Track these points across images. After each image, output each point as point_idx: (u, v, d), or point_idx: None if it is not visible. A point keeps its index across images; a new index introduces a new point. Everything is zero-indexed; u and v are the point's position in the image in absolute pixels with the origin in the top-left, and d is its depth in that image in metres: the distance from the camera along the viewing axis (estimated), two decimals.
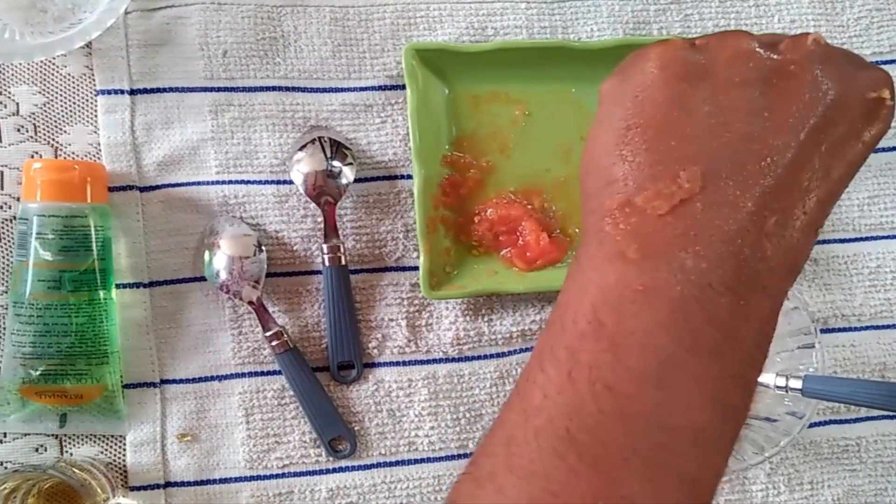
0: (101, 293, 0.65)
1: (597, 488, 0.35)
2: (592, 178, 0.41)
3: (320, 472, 0.68)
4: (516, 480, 0.36)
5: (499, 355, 0.70)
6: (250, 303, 0.67)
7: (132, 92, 0.69)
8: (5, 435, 0.66)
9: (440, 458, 0.69)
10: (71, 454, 0.67)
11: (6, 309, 0.65)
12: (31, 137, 0.68)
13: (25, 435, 0.66)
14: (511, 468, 0.37)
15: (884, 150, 0.74)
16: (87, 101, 0.69)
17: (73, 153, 0.69)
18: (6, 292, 0.66)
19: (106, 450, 0.67)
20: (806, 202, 0.39)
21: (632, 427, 0.36)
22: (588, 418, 0.36)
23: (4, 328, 0.65)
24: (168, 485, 0.67)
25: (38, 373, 0.63)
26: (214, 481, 0.68)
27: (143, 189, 0.69)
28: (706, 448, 0.37)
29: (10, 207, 0.67)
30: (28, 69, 0.69)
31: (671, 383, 0.36)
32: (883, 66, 0.71)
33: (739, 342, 0.37)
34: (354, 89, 0.71)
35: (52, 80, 0.69)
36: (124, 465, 0.67)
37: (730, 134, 0.39)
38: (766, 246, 0.37)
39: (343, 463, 0.69)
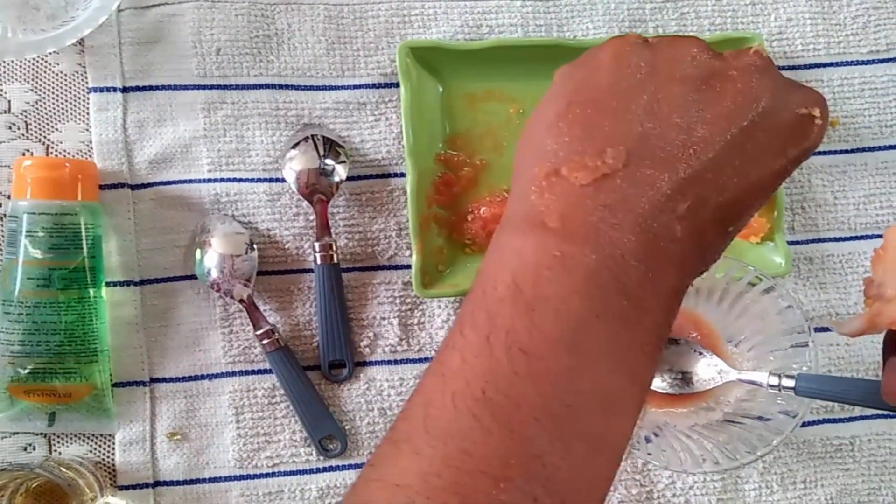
0: (91, 291, 0.65)
1: (509, 447, 0.37)
2: (527, 148, 0.43)
3: (311, 471, 0.68)
4: (432, 441, 0.37)
5: None
6: (241, 301, 0.67)
7: (124, 90, 0.69)
8: None
9: None
10: (59, 453, 0.67)
11: None
12: (23, 135, 0.68)
13: (14, 434, 0.66)
14: (427, 429, 0.38)
15: (879, 148, 0.74)
16: (79, 98, 0.69)
17: (65, 151, 0.68)
18: None
19: (95, 449, 0.67)
20: (721, 197, 0.40)
21: (543, 389, 0.37)
22: (502, 380, 0.37)
23: None
24: (157, 484, 0.67)
25: (26, 371, 0.63)
26: (204, 480, 0.67)
27: (134, 187, 0.68)
28: (613, 410, 0.39)
29: (0, 205, 0.67)
30: (20, 66, 0.69)
31: (582, 348, 0.38)
32: (881, 65, 0.73)
33: (646, 313, 0.40)
34: (348, 87, 0.71)
35: (44, 77, 0.69)
36: (113, 464, 0.67)
37: (661, 123, 0.41)
38: (677, 228, 0.39)
39: (334, 462, 0.68)
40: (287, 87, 0.70)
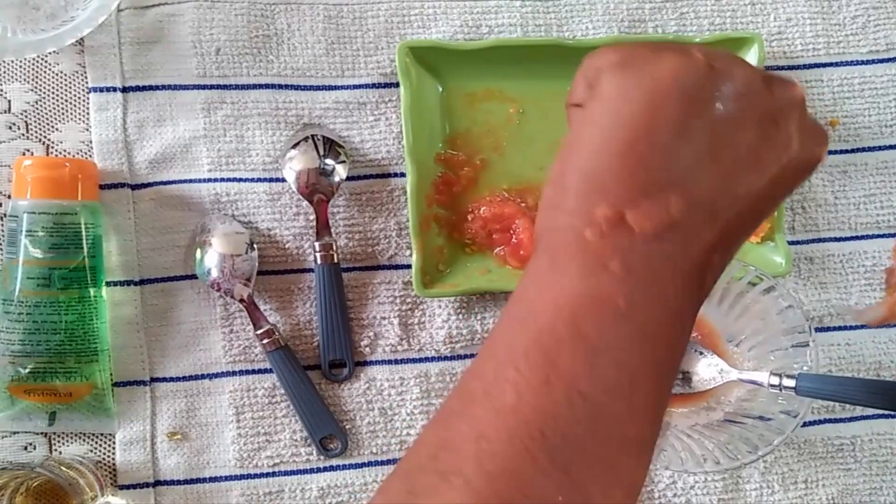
0: (92, 291, 0.65)
1: (566, 491, 0.37)
2: (577, 175, 0.41)
3: (311, 470, 0.68)
4: (486, 476, 0.37)
5: None
6: (241, 301, 0.67)
7: (124, 89, 0.69)
8: None
9: None
10: (60, 452, 0.67)
11: None
12: (23, 135, 0.68)
13: (14, 433, 0.66)
14: (481, 464, 0.37)
15: (879, 148, 0.74)
16: (79, 98, 0.69)
17: (65, 151, 0.68)
18: None
19: (95, 448, 0.67)
20: (740, 237, 0.42)
21: (600, 436, 0.38)
22: (563, 423, 0.37)
23: None
24: (157, 483, 0.67)
25: (27, 371, 0.63)
26: (204, 480, 0.67)
27: (134, 187, 0.68)
28: (646, 457, 0.40)
29: (0, 205, 0.67)
30: (20, 66, 0.69)
31: (635, 398, 0.39)
32: (881, 65, 0.73)
33: (675, 365, 0.41)
34: (348, 87, 0.71)
35: (44, 77, 0.69)
36: (114, 464, 0.67)
37: (717, 168, 0.40)
38: (708, 279, 0.41)
39: (334, 462, 0.68)
40: (287, 86, 0.70)
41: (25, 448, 0.66)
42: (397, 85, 0.70)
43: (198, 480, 0.67)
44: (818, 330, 0.72)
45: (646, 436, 0.40)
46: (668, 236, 0.39)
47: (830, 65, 0.74)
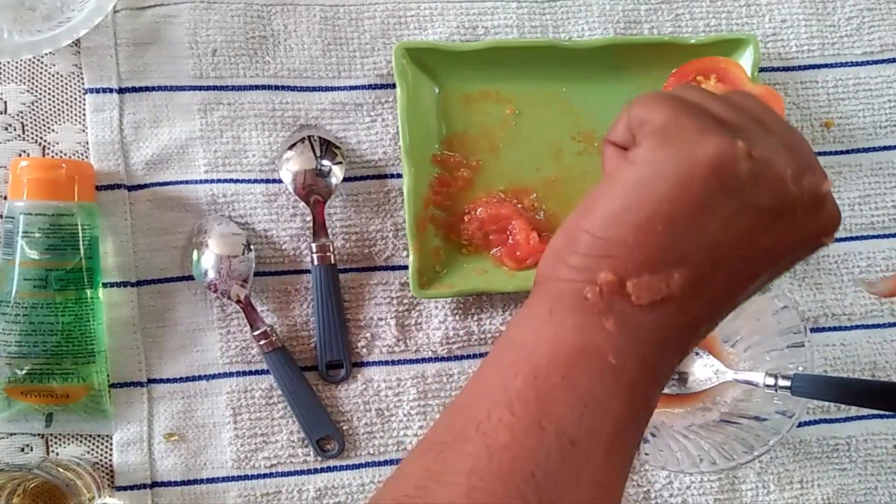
0: (88, 292, 0.65)
1: None
2: (590, 236, 0.42)
3: (308, 471, 0.68)
4: None
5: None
6: (238, 302, 0.67)
7: (121, 91, 0.69)
8: None
9: None
10: (57, 454, 0.67)
11: None
12: (19, 136, 0.68)
13: (11, 434, 0.66)
14: (473, 500, 0.38)
15: (874, 149, 0.74)
16: (76, 99, 0.69)
17: (61, 152, 0.68)
18: None
19: (92, 449, 0.67)
20: (729, 311, 0.44)
21: (583, 482, 0.39)
22: (552, 467, 0.39)
23: None
24: (155, 485, 0.67)
25: (23, 372, 0.63)
26: (201, 481, 0.67)
27: (131, 188, 0.68)
28: (615, 500, 0.42)
29: None
30: (16, 67, 0.68)
31: (617, 449, 0.41)
32: (875, 66, 0.73)
33: (648, 418, 0.44)
34: (344, 88, 0.71)
35: (41, 78, 0.69)
36: (111, 465, 0.67)
37: (726, 251, 0.41)
38: (690, 345, 0.44)
39: (331, 463, 0.68)
40: (283, 88, 0.70)
41: (22, 450, 0.66)
42: (394, 86, 0.70)
43: (195, 482, 0.67)
44: (813, 330, 0.72)
45: (619, 481, 0.42)
46: (662, 308, 0.41)
47: (825, 66, 0.74)
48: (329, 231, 0.69)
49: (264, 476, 0.68)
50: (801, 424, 0.71)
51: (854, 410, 0.72)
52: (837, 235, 0.71)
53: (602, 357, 0.41)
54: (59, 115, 0.69)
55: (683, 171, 0.40)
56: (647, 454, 0.63)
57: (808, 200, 0.42)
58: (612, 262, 0.41)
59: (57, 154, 0.68)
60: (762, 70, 0.73)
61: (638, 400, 0.41)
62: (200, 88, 0.70)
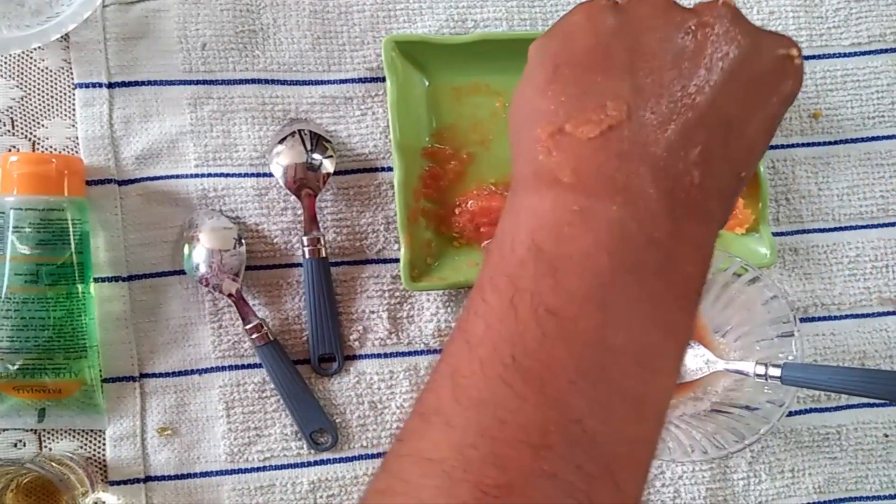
0: (80, 287, 0.64)
1: (545, 412, 0.36)
2: (523, 115, 0.42)
3: (302, 464, 0.68)
4: (463, 411, 0.37)
5: None
6: (230, 296, 0.67)
7: (110, 85, 0.69)
8: None
9: None
10: (50, 449, 0.67)
11: None
12: (9, 131, 0.68)
13: (3, 430, 0.66)
14: (458, 399, 0.37)
15: (862, 140, 0.74)
16: (65, 94, 0.69)
17: (51, 147, 0.68)
18: None
19: (85, 444, 0.67)
20: (727, 141, 0.40)
21: (576, 349, 0.37)
22: (532, 343, 0.37)
23: None
24: (148, 479, 0.67)
25: (15, 367, 0.63)
26: (195, 475, 0.67)
27: (121, 182, 0.68)
28: (651, 368, 0.38)
29: None
30: (5, 62, 0.68)
31: (613, 304, 0.37)
32: (863, 57, 0.74)
33: (678, 264, 0.39)
34: (334, 82, 0.71)
35: (30, 73, 0.68)
36: (104, 460, 0.67)
37: (651, 73, 0.40)
38: (694, 174, 0.39)
39: (325, 455, 0.69)
40: (273, 82, 0.70)
41: (15, 445, 0.66)
42: (383, 79, 0.70)
43: (188, 476, 0.67)
44: (803, 320, 0.72)
45: (644, 345, 0.38)
46: (615, 136, 0.39)
47: (813, 57, 0.75)
48: (320, 224, 0.69)
49: (258, 469, 0.68)
50: (791, 414, 0.72)
51: (844, 399, 0.72)
52: (826, 226, 0.73)
53: (565, 210, 0.38)
54: (49, 110, 0.69)
55: (565, 30, 0.43)
56: None
57: (715, 14, 0.42)
58: (546, 116, 0.41)
59: (46, 149, 0.68)
60: None
61: (637, 244, 0.38)
62: (190, 83, 0.69)
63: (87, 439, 0.67)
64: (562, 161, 0.39)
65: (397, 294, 0.70)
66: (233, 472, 0.68)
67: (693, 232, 0.39)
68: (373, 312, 0.70)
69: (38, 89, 0.68)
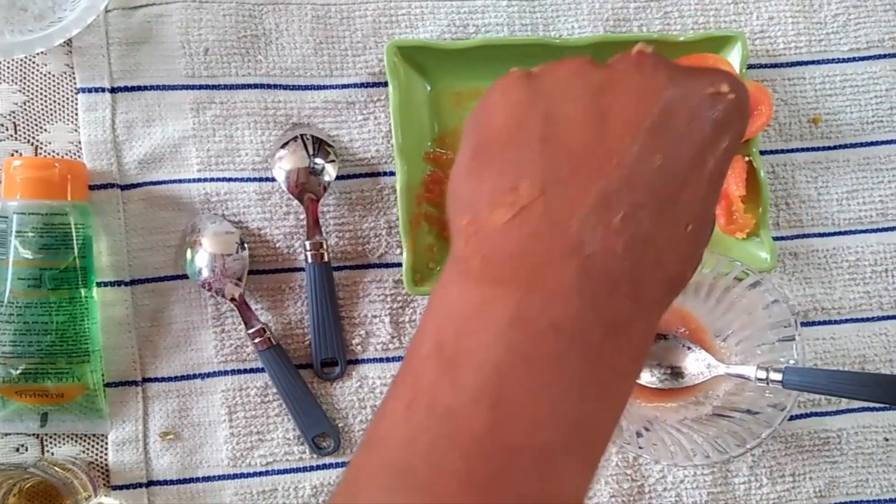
0: (82, 291, 0.65)
1: None
2: (451, 203, 0.40)
3: (304, 469, 0.68)
4: None
5: None
6: (232, 300, 0.67)
7: (113, 90, 0.69)
8: None
9: None
10: (52, 454, 0.67)
11: None
12: (11, 136, 0.68)
13: (6, 434, 0.66)
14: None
15: (861, 145, 0.75)
16: (68, 99, 0.69)
17: (54, 151, 0.68)
18: None
19: (88, 449, 0.67)
20: (656, 196, 0.36)
21: (466, 450, 0.34)
22: (424, 446, 0.35)
23: None
24: (150, 483, 0.67)
25: (18, 372, 0.63)
26: (197, 479, 0.67)
27: (124, 187, 0.68)
28: (551, 468, 0.35)
29: None
30: (8, 67, 0.68)
31: (508, 399, 0.34)
32: (862, 62, 0.74)
33: (588, 348, 0.35)
34: (336, 86, 0.71)
35: (33, 78, 0.69)
36: (106, 465, 0.67)
37: (568, 143, 0.37)
38: (617, 243, 0.35)
39: (327, 460, 0.69)
40: (276, 86, 0.71)
41: (17, 450, 0.66)
42: (386, 84, 0.70)
43: (191, 480, 0.67)
44: (803, 324, 0.73)
45: (543, 442, 0.35)
46: (529, 216, 0.36)
47: (812, 62, 0.75)
48: (323, 229, 0.69)
49: (260, 474, 0.68)
50: (792, 418, 0.72)
51: (844, 403, 0.72)
52: (826, 231, 0.73)
53: (468, 302, 0.36)
54: (52, 114, 0.69)
55: (483, 108, 0.41)
56: (640, 448, 0.63)
57: (630, 66, 0.39)
58: (465, 204, 0.39)
59: (49, 154, 0.68)
60: (750, 67, 0.74)
61: (538, 331, 0.35)
62: (193, 87, 0.70)
63: (89, 444, 0.67)
64: (475, 249, 0.37)
65: (399, 298, 0.70)
66: (235, 476, 0.68)
67: (615, 311, 0.36)
68: (375, 317, 0.70)
69: (41, 94, 0.69)
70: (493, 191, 0.37)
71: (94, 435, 0.67)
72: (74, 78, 0.69)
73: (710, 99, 0.38)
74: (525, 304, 0.35)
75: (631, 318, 0.36)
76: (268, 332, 0.67)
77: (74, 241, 0.64)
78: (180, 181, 0.69)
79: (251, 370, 0.68)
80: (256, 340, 0.67)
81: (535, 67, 0.41)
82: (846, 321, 0.73)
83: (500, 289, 0.36)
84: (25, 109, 0.68)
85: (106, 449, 0.67)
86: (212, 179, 0.69)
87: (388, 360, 0.70)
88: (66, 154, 0.68)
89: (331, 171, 0.69)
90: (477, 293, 0.36)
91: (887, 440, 0.72)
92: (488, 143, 0.39)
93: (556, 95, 0.39)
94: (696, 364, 0.67)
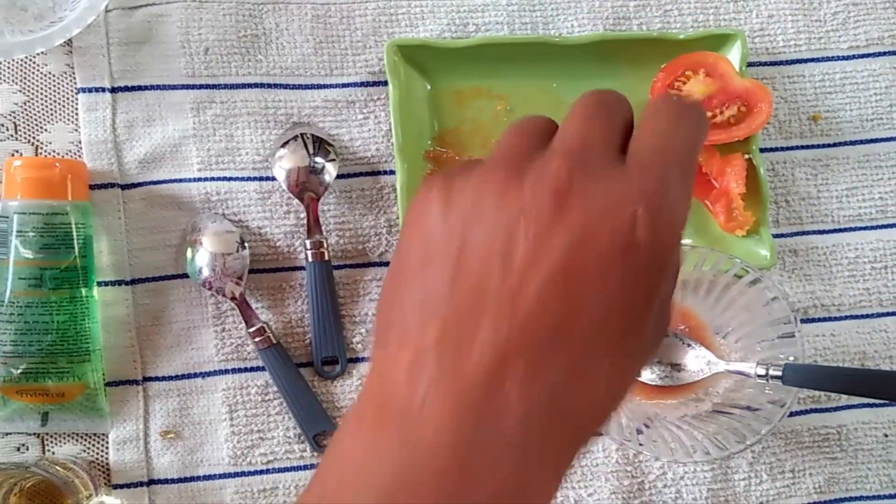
0: (83, 291, 0.65)
1: None
2: (374, 328, 0.38)
3: (305, 467, 0.68)
4: None
5: None
6: (233, 299, 0.67)
7: (113, 90, 0.69)
8: None
9: None
10: (53, 453, 0.67)
11: None
12: (12, 136, 0.68)
13: (7, 434, 0.66)
14: None
15: (860, 142, 0.75)
16: (68, 99, 0.69)
17: (54, 151, 0.68)
18: None
19: (88, 448, 0.67)
20: (562, 350, 0.32)
21: None
22: None
23: None
24: (151, 482, 0.67)
25: (19, 371, 0.63)
26: (198, 478, 0.67)
27: (124, 186, 0.68)
28: None
29: None
30: (8, 67, 0.69)
31: None
32: (861, 60, 0.74)
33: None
34: (336, 86, 0.71)
35: (33, 78, 0.69)
36: (107, 464, 0.67)
37: (475, 277, 0.33)
38: (513, 401, 0.32)
39: None
40: (276, 86, 0.71)
41: (18, 449, 0.66)
42: (386, 83, 0.71)
43: (192, 479, 0.67)
44: (803, 321, 0.73)
45: None
46: (425, 362, 0.32)
47: (812, 60, 0.75)
48: (323, 228, 0.69)
49: (261, 472, 0.68)
50: (792, 414, 0.72)
51: (844, 399, 0.72)
52: (825, 228, 0.73)
53: (353, 458, 0.33)
54: (52, 114, 0.69)
55: (404, 230, 0.38)
56: (641, 445, 0.63)
57: (538, 181, 0.34)
58: (377, 338, 0.36)
59: (50, 154, 0.68)
60: (750, 65, 0.74)
61: (420, 491, 0.31)
62: (193, 87, 0.70)
63: (90, 443, 0.67)
64: (371, 397, 0.34)
65: None
66: (236, 475, 0.68)
67: (503, 472, 0.32)
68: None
69: (42, 94, 0.69)
70: (404, 328, 0.34)
71: (94, 434, 0.67)
72: (75, 78, 0.69)
73: (623, 230, 0.33)
74: (407, 462, 0.32)
75: (523, 483, 0.33)
76: (268, 331, 0.67)
77: (75, 241, 0.64)
78: (181, 180, 0.69)
79: (252, 369, 0.68)
80: (257, 339, 0.67)
81: (458, 171, 0.37)
82: (846, 318, 0.73)
83: (383, 441, 0.32)
84: (26, 109, 0.68)
85: (107, 448, 0.67)
86: (212, 179, 0.69)
87: None
88: (67, 154, 0.69)
89: (331, 170, 0.69)
90: (361, 447, 0.33)
91: (887, 436, 0.72)
92: (401, 271, 0.36)
93: (472, 218, 0.34)
94: (695, 361, 0.67)
